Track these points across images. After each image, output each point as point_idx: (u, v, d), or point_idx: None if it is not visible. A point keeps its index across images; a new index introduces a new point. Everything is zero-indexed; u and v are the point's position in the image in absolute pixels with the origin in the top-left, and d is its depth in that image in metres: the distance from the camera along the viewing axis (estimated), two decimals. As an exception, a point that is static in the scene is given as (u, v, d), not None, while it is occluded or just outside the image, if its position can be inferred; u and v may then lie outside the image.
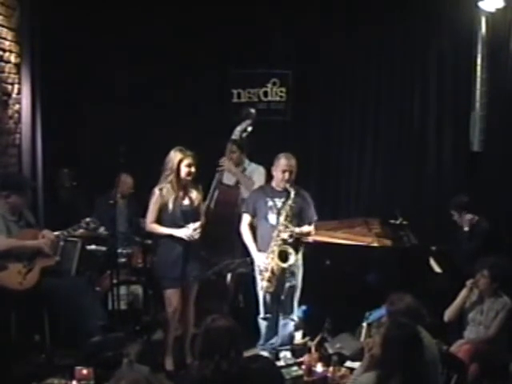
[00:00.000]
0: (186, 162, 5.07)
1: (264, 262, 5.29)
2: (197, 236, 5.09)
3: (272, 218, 5.35)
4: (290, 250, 5.26)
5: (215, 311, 4.58)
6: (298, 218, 5.38)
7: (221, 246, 5.68)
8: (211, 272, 5.41)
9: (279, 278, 5.31)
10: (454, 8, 6.77)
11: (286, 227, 5.26)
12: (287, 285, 5.37)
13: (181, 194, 5.13)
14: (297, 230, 5.32)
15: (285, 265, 5.26)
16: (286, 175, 5.32)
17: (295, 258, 5.29)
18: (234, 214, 5.68)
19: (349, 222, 6.58)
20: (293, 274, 5.39)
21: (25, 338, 5.17)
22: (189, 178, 5.12)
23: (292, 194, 5.29)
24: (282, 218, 5.28)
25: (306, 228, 5.42)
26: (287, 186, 5.32)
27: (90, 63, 6.93)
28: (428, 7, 6.85)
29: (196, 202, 5.21)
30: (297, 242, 5.37)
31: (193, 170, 5.10)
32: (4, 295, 4.83)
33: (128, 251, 6.21)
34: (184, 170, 5.08)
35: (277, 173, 5.39)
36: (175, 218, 5.11)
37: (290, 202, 5.28)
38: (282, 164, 5.33)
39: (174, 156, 5.08)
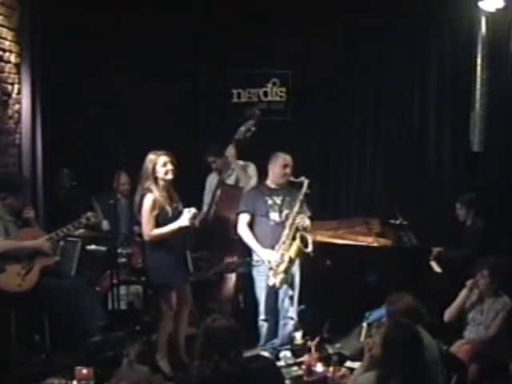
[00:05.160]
0: (160, 162, 4.97)
1: (276, 256, 5.26)
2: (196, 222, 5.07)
3: (274, 215, 5.36)
4: (309, 236, 5.31)
5: (215, 311, 4.58)
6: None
7: (222, 246, 5.68)
8: (211, 272, 5.41)
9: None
10: (453, 8, 6.76)
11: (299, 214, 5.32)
12: (285, 286, 5.37)
13: (163, 199, 5.03)
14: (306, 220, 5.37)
15: (308, 250, 5.28)
16: (288, 170, 5.37)
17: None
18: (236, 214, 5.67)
19: (349, 221, 6.57)
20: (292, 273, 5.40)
21: (25, 338, 5.17)
22: (168, 178, 5.00)
23: (305, 184, 5.34)
24: (295, 209, 5.31)
25: (307, 221, 5.43)
26: (290, 179, 5.37)
27: (90, 63, 6.93)
28: (428, 7, 6.85)
29: (179, 207, 5.12)
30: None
31: (169, 167, 4.98)
32: (3, 297, 4.83)
33: (128, 251, 6.20)
34: (161, 171, 4.97)
35: (275, 169, 5.41)
36: (167, 223, 5.03)
37: (304, 190, 5.33)
38: (282, 159, 5.40)
39: (148, 160, 4.99)
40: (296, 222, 5.30)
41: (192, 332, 5.20)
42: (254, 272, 5.45)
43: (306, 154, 7.33)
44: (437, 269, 6.06)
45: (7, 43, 5.81)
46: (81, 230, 5.61)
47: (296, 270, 5.44)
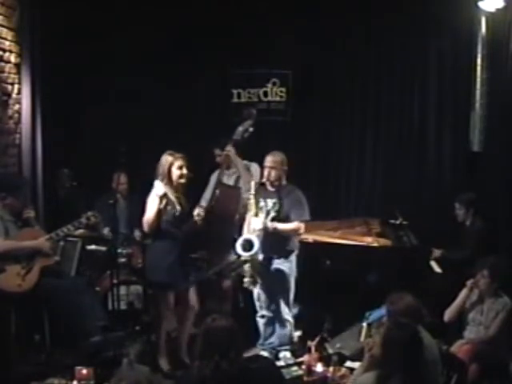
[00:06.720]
0: (176, 164, 5.01)
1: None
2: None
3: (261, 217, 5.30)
4: (254, 239, 5.14)
5: (215, 311, 4.58)
6: (286, 218, 5.33)
7: (221, 246, 5.68)
8: (211, 272, 5.40)
9: (254, 270, 5.21)
10: (453, 8, 6.76)
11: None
12: (278, 287, 5.37)
13: (174, 199, 5.07)
14: (277, 225, 5.24)
15: (246, 254, 5.13)
16: (266, 172, 5.31)
17: (259, 247, 5.13)
18: (235, 214, 5.67)
19: (349, 221, 6.57)
20: (284, 275, 5.37)
21: (25, 338, 5.17)
22: (181, 181, 5.06)
23: (252, 185, 5.25)
24: (250, 213, 5.25)
25: (289, 225, 5.32)
26: (267, 183, 5.31)
27: (90, 63, 6.94)
28: (428, 7, 6.85)
29: (184, 209, 5.15)
30: (285, 243, 5.35)
31: (184, 171, 5.04)
32: (3, 297, 4.82)
33: (128, 251, 6.21)
34: (175, 173, 5.02)
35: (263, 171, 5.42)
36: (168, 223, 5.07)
37: (252, 192, 5.24)
38: (266, 161, 5.35)
39: (165, 161, 5.02)
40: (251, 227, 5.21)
41: (192, 332, 5.22)
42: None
43: (306, 154, 7.34)
44: (437, 269, 6.06)
45: (7, 43, 5.82)
46: (81, 230, 5.61)
47: (292, 273, 5.42)
